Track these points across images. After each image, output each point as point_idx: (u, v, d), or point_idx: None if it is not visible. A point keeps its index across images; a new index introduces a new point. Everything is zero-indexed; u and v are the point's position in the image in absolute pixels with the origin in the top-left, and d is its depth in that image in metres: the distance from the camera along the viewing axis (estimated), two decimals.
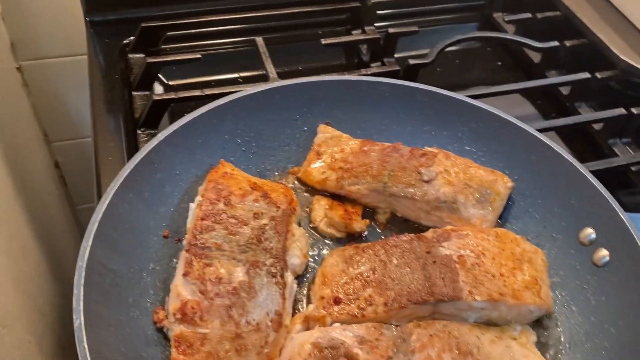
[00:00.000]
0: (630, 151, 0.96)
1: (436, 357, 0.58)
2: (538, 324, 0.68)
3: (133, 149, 0.90)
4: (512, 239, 0.70)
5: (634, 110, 0.95)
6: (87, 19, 1.14)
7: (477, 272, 0.64)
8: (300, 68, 1.10)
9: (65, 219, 1.67)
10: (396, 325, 0.61)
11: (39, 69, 1.39)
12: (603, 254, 0.68)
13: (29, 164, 1.35)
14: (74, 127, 1.55)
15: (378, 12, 1.18)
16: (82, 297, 0.55)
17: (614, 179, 0.81)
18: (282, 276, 0.65)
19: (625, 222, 0.67)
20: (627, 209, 0.69)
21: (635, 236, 0.65)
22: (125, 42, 1.10)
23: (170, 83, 1.07)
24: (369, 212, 0.79)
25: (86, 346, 0.52)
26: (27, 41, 1.31)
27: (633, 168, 0.91)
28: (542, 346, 0.66)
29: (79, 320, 0.53)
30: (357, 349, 0.56)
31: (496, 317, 0.65)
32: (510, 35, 1.14)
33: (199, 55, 1.00)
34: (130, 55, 1.08)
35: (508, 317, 0.65)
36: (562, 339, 0.66)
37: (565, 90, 1.06)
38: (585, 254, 0.70)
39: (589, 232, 0.71)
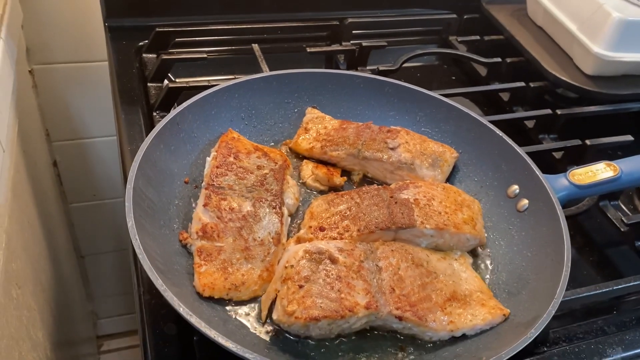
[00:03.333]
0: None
1: (396, 264, 0.77)
2: (474, 253, 0.88)
3: (149, 127, 1.09)
4: (455, 190, 0.91)
5: (559, 111, 1.19)
6: (106, 24, 1.33)
7: (427, 210, 0.85)
8: None
9: (59, 215, 1.79)
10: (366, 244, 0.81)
11: (48, 73, 1.52)
12: (524, 202, 0.90)
13: (32, 160, 1.47)
14: (74, 128, 1.67)
15: (353, 31, 1.41)
16: (131, 207, 0.73)
17: (543, 165, 1.03)
18: (280, 208, 0.84)
19: (541, 177, 0.89)
20: None
21: (547, 187, 0.87)
22: (140, 44, 1.29)
23: (177, 80, 1.26)
24: (345, 174, 0.99)
25: (138, 238, 0.69)
26: (40, 47, 1.46)
27: (555, 154, 1.14)
28: (476, 268, 0.86)
29: (131, 221, 0.71)
30: (337, 254, 0.75)
31: (441, 243, 0.85)
32: (461, 52, 1.38)
33: (205, 55, 1.20)
34: (144, 55, 1.27)
35: (451, 244, 0.85)
36: (490, 264, 0.87)
37: (505, 97, 1.30)
38: (511, 204, 0.92)
39: (515, 188, 0.92)
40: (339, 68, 1.32)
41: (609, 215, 1.03)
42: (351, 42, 1.37)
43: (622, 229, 1.00)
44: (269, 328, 0.74)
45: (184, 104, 0.91)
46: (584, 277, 0.97)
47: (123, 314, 2.25)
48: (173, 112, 0.89)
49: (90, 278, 2.07)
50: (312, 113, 1.03)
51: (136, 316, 0.81)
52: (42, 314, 1.41)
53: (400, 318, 0.72)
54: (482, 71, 1.36)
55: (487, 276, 0.86)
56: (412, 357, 0.74)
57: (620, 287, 0.85)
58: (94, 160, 1.78)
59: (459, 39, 1.44)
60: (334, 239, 0.81)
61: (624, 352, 0.83)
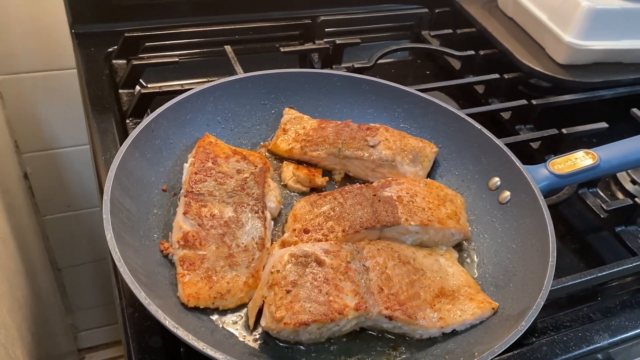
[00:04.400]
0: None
1: (383, 263, 0.76)
2: (459, 247, 0.88)
3: (123, 135, 1.06)
4: (437, 185, 0.90)
5: (534, 102, 1.20)
6: (73, 31, 1.30)
7: (411, 207, 0.84)
8: None
9: (32, 228, 1.75)
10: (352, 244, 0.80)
11: (15, 83, 1.48)
12: (506, 194, 0.90)
13: (1, 172, 1.43)
14: (44, 139, 1.63)
15: (326, 29, 1.39)
16: (109, 219, 0.71)
17: (521, 156, 1.03)
18: (262, 212, 0.83)
19: (521, 169, 0.89)
20: None
21: (528, 178, 0.87)
22: (109, 50, 1.26)
23: (149, 86, 1.24)
24: (327, 174, 0.98)
25: (118, 251, 0.67)
26: (4, 57, 1.42)
27: (532, 144, 1.14)
28: (462, 262, 0.86)
29: (110, 234, 0.69)
30: (323, 256, 0.74)
31: (427, 239, 0.84)
32: (435, 46, 1.38)
33: (177, 59, 1.18)
34: (114, 61, 1.24)
35: (436, 239, 0.84)
36: (476, 257, 0.87)
37: (480, 89, 1.30)
38: (493, 196, 0.92)
39: (496, 180, 0.92)
40: (313, 67, 1.31)
41: (588, 202, 1.04)
42: (324, 40, 1.36)
43: (602, 216, 1.01)
44: (258, 335, 0.73)
45: (158, 109, 0.89)
46: (567, 265, 0.98)
47: (104, 325, 2.21)
48: (147, 119, 0.86)
49: (69, 291, 2.02)
50: (289, 114, 1.01)
51: (120, 330, 0.79)
52: (20, 331, 1.37)
53: (390, 318, 0.72)
54: (456, 65, 1.36)
55: (474, 270, 0.85)
56: (404, 356, 0.73)
57: (604, 273, 0.86)
58: (67, 170, 1.74)
59: (432, 33, 1.44)
60: (319, 240, 0.80)
61: (610, 338, 0.84)
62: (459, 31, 1.41)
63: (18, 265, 1.42)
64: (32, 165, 1.68)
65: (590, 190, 1.06)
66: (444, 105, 1.00)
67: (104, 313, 2.16)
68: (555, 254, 0.76)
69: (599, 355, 0.85)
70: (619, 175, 1.14)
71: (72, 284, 2.01)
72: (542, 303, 0.71)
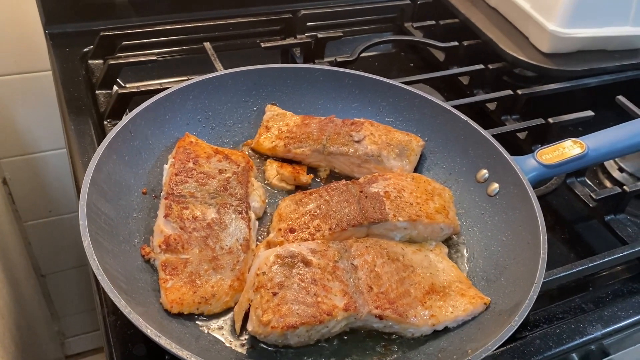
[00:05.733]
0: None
1: (372, 261, 0.75)
2: (449, 242, 0.86)
3: (101, 137, 1.03)
4: (424, 180, 0.88)
5: (519, 92, 1.18)
6: (47, 31, 1.26)
7: (399, 202, 0.82)
8: None
9: (14, 235, 1.71)
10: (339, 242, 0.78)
11: None
12: (495, 186, 0.88)
13: None
14: (22, 144, 1.59)
15: (307, 23, 1.37)
16: (86, 226, 0.68)
17: (508, 147, 1.02)
18: (246, 213, 0.80)
19: (509, 160, 0.87)
20: None
21: (516, 169, 0.86)
22: (84, 50, 1.23)
23: (127, 86, 1.21)
24: (311, 171, 0.95)
25: (95, 259, 0.65)
26: None
27: (519, 135, 1.13)
28: (452, 257, 0.84)
29: (87, 240, 0.66)
30: (310, 256, 0.72)
31: (415, 235, 0.82)
32: (418, 38, 1.37)
33: (154, 57, 1.15)
34: (90, 62, 1.21)
35: (425, 235, 0.83)
36: (466, 251, 0.85)
37: (465, 81, 1.29)
38: (481, 189, 0.90)
39: (484, 172, 0.91)
40: (295, 62, 1.28)
41: (576, 192, 1.02)
42: (306, 34, 1.34)
43: (590, 205, 1.00)
44: (245, 340, 0.70)
45: (135, 110, 0.86)
46: (557, 255, 0.97)
47: (91, 331, 2.17)
48: (124, 120, 0.83)
49: (54, 297, 1.99)
50: (272, 110, 0.99)
51: (102, 338, 0.77)
52: (4, 342, 1.34)
53: (380, 317, 0.70)
54: (440, 56, 1.34)
55: (464, 265, 0.84)
56: (395, 355, 0.71)
57: (595, 263, 0.85)
58: (47, 175, 1.70)
59: (415, 25, 1.42)
60: (306, 240, 0.78)
61: (604, 329, 0.83)
62: (441, 22, 1.39)
63: None
64: (10, 171, 1.64)
65: (578, 179, 1.05)
66: (429, 97, 0.98)
67: (90, 319, 2.12)
68: (546, 246, 0.75)
69: (592, 347, 0.84)
70: (606, 163, 1.14)
71: (57, 290, 1.97)
72: (535, 297, 0.69)
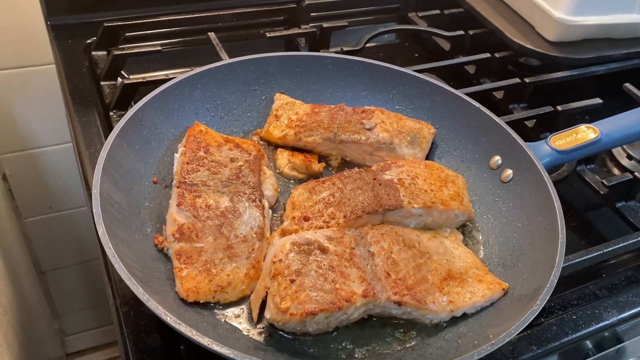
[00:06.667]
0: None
1: (388, 247, 0.74)
2: (463, 229, 0.86)
3: (107, 128, 1.02)
4: (437, 167, 0.88)
5: (527, 80, 1.18)
6: (49, 23, 1.24)
7: (413, 189, 0.81)
8: None
9: (14, 232, 1.69)
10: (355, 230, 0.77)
11: None
12: (508, 172, 0.88)
13: None
14: (23, 139, 1.58)
15: (312, 13, 1.36)
16: (100, 214, 0.67)
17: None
18: (260, 201, 0.79)
19: (523, 146, 0.87)
20: None
21: (530, 155, 0.85)
22: (88, 42, 1.21)
23: (132, 77, 1.19)
24: (322, 159, 0.94)
25: (111, 247, 0.63)
26: None
27: (527, 123, 1.12)
28: (467, 244, 0.84)
29: (102, 228, 0.65)
30: (326, 243, 0.71)
31: (430, 222, 0.82)
32: (423, 27, 1.36)
33: (159, 48, 1.14)
34: (94, 53, 1.19)
35: (440, 222, 0.82)
36: (481, 238, 0.85)
37: (471, 70, 1.28)
38: (495, 175, 0.89)
39: (497, 159, 0.90)
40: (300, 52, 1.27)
41: (587, 179, 1.02)
42: (310, 24, 1.32)
43: (601, 192, 1.00)
44: (262, 328, 0.69)
45: (144, 98, 0.85)
46: (569, 242, 0.93)
47: (92, 328, 2.16)
48: (134, 108, 0.82)
49: (54, 294, 1.97)
50: (281, 99, 0.98)
51: (115, 330, 0.75)
52: (7, 338, 1.32)
53: (399, 303, 0.69)
54: (446, 45, 1.34)
55: (480, 251, 0.83)
56: (413, 342, 0.71)
57: (610, 249, 0.85)
58: (48, 170, 1.69)
59: (419, 14, 1.42)
60: (320, 227, 0.77)
61: (619, 315, 0.83)
62: (446, 11, 1.38)
63: (0, 270, 1.36)
64: (10, 167, 1.62)
65: (588, 167, 1.04)
66: (440, 84, 0.97)
67: (91, 316, 2.11)
68: (564, 231, 0.74)
69: (606, 334, 0.84)
70: (614, 151, 1.13)
71: (57, 287, 1.96)
72: (556, 281, 0.69)
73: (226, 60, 0.96)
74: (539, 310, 0.65)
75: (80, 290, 2.01)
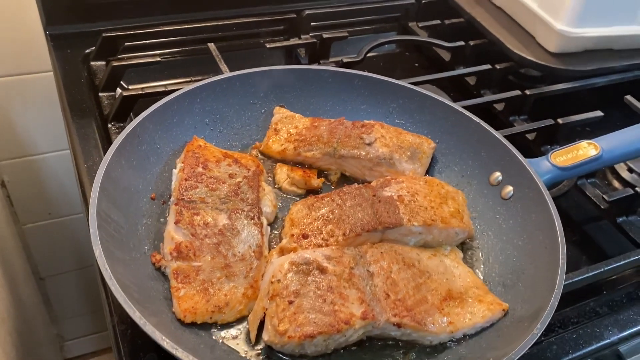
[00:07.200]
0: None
1: (387, 267, 0.73)
2: (462, 247, 0.85)
3: (105, 140, 1.01)
4: (437, 183, 0.87)
5: (527, 92, 1.17)
6: (48, 32, 1.24)
7: (413, 206, 0.81)
8: None
9: (12, 238, 1.69)
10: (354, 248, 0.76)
11: None
12: (509, 189, 0.87)
13: None
14: (21, 145, 1.57)
15: (312, 23, 1.35)
16: (97, 234, 0.66)
17: (517, 148, 1.00)
18: (258, 218, 0.79)
19: (524, 162, 0.86)
20: None
21: (531, 172, 0.84)
22: (86, 51, 1.21)
23: (131, 87, 1.18)
24: (321, 174, 0.94)
25: (108, 268, 0.63)
26: None
27: (528, 136, 1.12)
28: (467, 262, 0.83)
29: (98, 249, 0.64)
30: (325, 263, 0.70)
31: (430, 240, 0.81)
32: (424, 37, 1.35)
33: (158, 59, 1.13)
34: (93, 63, 1.19)
35: (439, 239, 0.81)
36: (481, 256, 0.84)
37: (472, 81, 1.27)
38: (495, 191, 0.89)
39: (497, 175, 0.89)
40: (300, 63, 1.27)
41: (588, 193, 1.01)
42: (310, 34, 1.32)
43: (602, 207, 0.99)
44: (260, 350, 0.69)
45: (143, 113, 0.84)
46: (569, 257, 0.94)
47: (90, 333, 2.15)
48: (132, 123, 0.82)
49: (53, 300, 1.97)
50: (280, 112, 0.97)
51: (112, 348, 0.75)
52: (5, 346, 1.32)
53: (398, 325, 0.68)
54: (446, 56, 1.33)
55: (480, 270, 0.82)
56: None
57: (611, 267, 0.84)
58: (46, 177, 1.68)
59: (420, 24, 1.41)
60: (319, 245, 0.77)
61: (620, 333, 0.82)
62: (447, 22, 1.38)
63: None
64: (9, 173, 1.61)
65: (588, 181, 1.04)
66: (440, 98, 0.96)
67: (90, 321, 2.10)
68: (565, 251, 0.74)
69: (607, 352, 0.83)
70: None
71: (56, 293, 1.95)
72: (556, 304, 0.68)
73: (225, 74, 0.95)
74: (538, 334, 0.65)
75: (78, 295, 2.01)
